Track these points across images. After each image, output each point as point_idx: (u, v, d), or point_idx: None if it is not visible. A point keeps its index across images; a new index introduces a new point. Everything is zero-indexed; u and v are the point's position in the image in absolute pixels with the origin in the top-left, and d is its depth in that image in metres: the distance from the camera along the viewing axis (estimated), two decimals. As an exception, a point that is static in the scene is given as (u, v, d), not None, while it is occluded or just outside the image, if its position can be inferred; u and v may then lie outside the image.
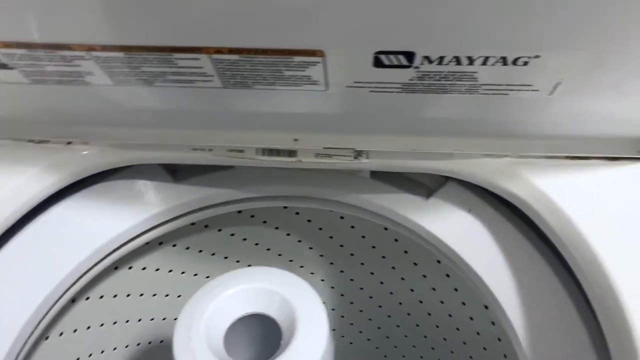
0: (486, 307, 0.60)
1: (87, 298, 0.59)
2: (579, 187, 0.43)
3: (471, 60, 0.31)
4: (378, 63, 0.32)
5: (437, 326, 0.70)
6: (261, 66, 0.33)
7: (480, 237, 0.48)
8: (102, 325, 0.63)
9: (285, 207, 0.66)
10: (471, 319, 0.64)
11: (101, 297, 0.61)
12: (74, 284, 0.49)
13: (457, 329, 0.67)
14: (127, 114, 0.41)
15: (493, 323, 0.60)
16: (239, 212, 0.65)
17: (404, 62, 0.32)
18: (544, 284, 0.45)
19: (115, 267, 0.60)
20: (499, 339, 0.60)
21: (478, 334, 0.64)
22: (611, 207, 0.42)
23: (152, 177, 0.52)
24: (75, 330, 0.59)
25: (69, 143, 0.45)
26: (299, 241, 0.70)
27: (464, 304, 0.64)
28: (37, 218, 0.49)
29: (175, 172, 0.54)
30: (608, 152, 0.43)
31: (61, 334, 0.57)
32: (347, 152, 0.45)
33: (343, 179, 0.54)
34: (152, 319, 0.69)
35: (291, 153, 0.46)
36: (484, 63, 0.32)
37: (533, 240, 0.47)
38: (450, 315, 0.67)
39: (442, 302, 0.67)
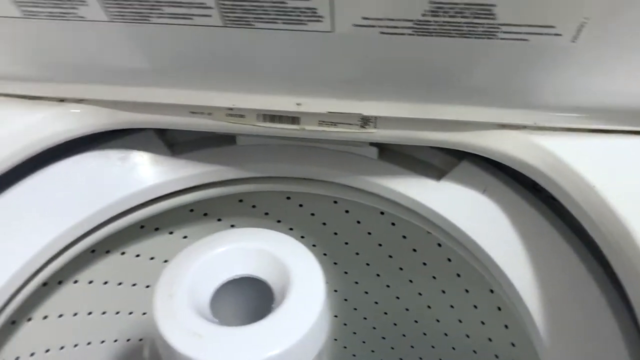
0: (499, 308, 0.55)
1: (76, 281, 0.56)
2: (604, 161, 0.39)
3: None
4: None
5: (446, 334, 0.66)
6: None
7: (495, 219, 0.44)
8: (90, 313, 0.59)
9: (288, 198, 0.63)
10: (483, 323, 0.59)
11: (90, 282, 0.57)
12: (45, 265, 0.46)
13: (467, 335, 0.63)
14: (121, 65, 0.39)
15: (506, 326, 0.56)
16: (240, 200, 0.62)
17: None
18: (568, 271, 0.41)
19: (106, 250, 0.57)
20: (513, 344, 0.56)
21: (490, 340, 0.59)
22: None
23: (147, 148, 0.49)
24: (60, 315, 0.56)
25: (62, 100, 0.43)
26: (302, 237, 0.67)
27: (475, 307, 0.59)
28: (21, 182, 0.46)
29: (173, 146, 0.51)
30: (635, 124, 0.40)
31: (45, 317, 0.54)
32: (353, 118, 0.42)
33: (349, 161, 0.51)
34: (144, 313, 0.65)
35: (294, 120, 0.44)
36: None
37: (554, 222, 0.43)
38: (460, 321, 0.63)
39: (452, 307, 0.63)
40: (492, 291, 0.55)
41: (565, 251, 0.42)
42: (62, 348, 0.57)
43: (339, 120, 0.42)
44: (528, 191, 0.46)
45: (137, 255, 0.60)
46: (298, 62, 0.38)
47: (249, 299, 0.35)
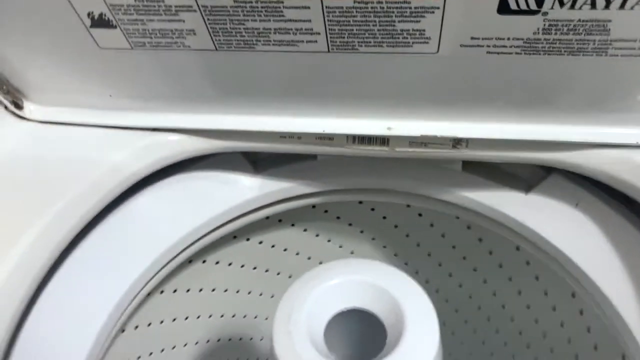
0: (581, 312, 0.55)
1: (162, 292, 0.58)
2: None
3: (608, 3, 0.28)
4: (503, 7, 0.29)
5: (520, 333, 0.66)
6: (373, 16, 0.30)
7: (589, 234, 0.44)
8: (174, 320, 0.62)
9: (360, 202, 0.63)
10: (562, 325, 0.59)
11: (174, 291, 0.59)
12: (152, 277, 0.48)
13: (544, 335, 0.63)
14: (219, 92, 0.39)
15: (589, 330, 0.56)
16: (313, 206, 0.63)
17: (533, 5, 0.29)
18: None
19: (189, 260, 0.59)
20: (595, 348, 0.56)
21: (569, 341, 0.59)
22: None
23: (233, 168, 0.50)
24: (149, 324, 0.58)
25: (155, 130, 0.44)
26: (373, 239, 0.68)
27: (554, 309, 0.59)
28: (117, 209, 0.48)
29: (255, 163, 0.52)
30: None
31: (136, 327, 0.56)
32: (445, 139, 0.42)
33: (433, 173, 0.51)
34: (222, 316, 0.68)
35: (383, 142, 0.43)
36: (622, 6, 0.28)
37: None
38: (536, 322, 0.63)
39: (528, 307, 0.63)
40: (573, 295, 0.55)
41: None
42: (150, 354, 0.60)
43: (431, 141, 0.42)
44: (621, 203, 0.46)
45: (217, 263, 0.62)
46: (395, 84, 0.37)
47: (358, 333, 0.36)
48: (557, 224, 0.45)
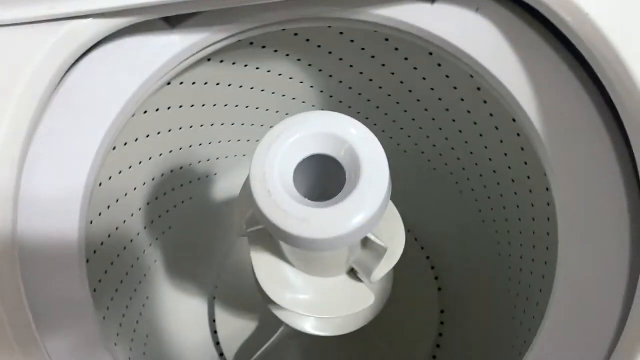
0: (479, 89, 0.63)
1: (145, 112, 0.62)
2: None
3: None
4: None
5: (426, 110, 0.74)
6: None
7: (489, 35, 0.50)
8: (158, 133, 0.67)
9: (283, 30, 0.65)
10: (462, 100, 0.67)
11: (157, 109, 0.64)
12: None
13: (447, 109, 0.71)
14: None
15: (485, 102, 0.64)
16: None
17: None
18: (561, 81, 0.47)
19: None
20: (491, 115, 0.65)
21: (469, 112, 0.68)
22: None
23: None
24: (136, 140, 0.63)
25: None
26: (298, 60, 0.71)
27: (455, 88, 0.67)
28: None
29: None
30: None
31: (125, 143, 0.61)
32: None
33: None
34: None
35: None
36: None
37: (547, 38, 0.49)
38: (440, 100, 0.71)
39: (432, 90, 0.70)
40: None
41: (555, 61, 0.49)
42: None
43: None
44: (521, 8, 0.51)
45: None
46: None
47: (318, 178, 0.42)
48: (459, 27, 0.51)
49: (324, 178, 0.42)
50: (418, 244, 0.90)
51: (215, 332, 0.85)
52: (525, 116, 0.48)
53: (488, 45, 0.50)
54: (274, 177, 0.37)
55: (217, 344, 0.84)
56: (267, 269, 0.49)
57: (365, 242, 0.46)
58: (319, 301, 0.49)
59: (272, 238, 0.49)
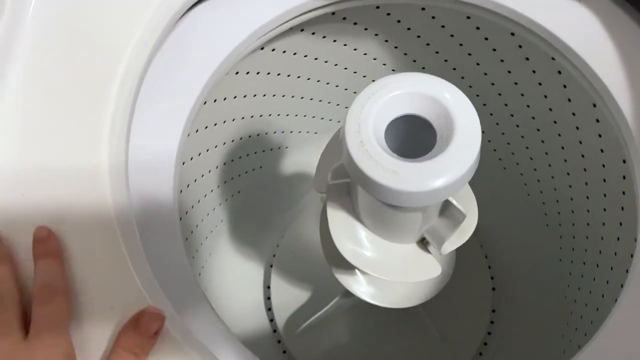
0: (565, 86, 0.63)
1: (237, 72, 0.65)
2: None
3: None
4: None
5: (506, 104, 0.74)
6: None
7: (592, 29, 0.50)
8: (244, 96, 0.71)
9: (377, 7, 0.67)
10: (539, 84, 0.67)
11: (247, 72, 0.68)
12: None
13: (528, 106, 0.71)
14: None
15: (569, 100, 0.63)
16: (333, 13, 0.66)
17: None
18: None
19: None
20: (573, 114, 0.64)
21: (545, 96, 0.67)
22: None
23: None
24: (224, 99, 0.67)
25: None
26: (386, 41, 0.73)
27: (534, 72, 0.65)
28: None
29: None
30: None
31: (215, 100, 0.65)
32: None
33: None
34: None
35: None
36: None
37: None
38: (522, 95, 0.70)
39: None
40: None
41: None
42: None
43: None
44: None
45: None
46: None
47: (409, 138, 0.44)
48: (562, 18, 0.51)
49: (411, 139, 0.43)
50: (477, 242, 0.90)
51: (269, 298, 0.88)
52: (613, 102, 0.48)
53: (579, 29, 0.51)
54: (368, 129, 0.39)
55: (269, 309, 0.87)
56: (340, 226, 0.51)
57: (444, 210, 0.47)
58: (386, 263, 0.51)
59: (349, 196, 0.51)
